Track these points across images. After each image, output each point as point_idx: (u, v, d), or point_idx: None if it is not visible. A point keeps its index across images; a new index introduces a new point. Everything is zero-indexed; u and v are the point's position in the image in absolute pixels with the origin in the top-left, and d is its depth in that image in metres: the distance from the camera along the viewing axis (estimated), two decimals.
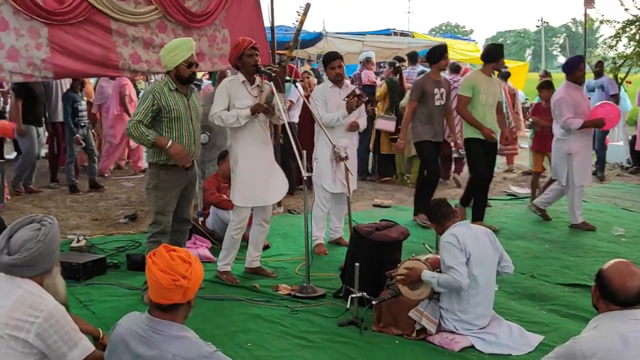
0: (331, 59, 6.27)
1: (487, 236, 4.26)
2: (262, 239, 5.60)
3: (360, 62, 10.89)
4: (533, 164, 8.73)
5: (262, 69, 5.20)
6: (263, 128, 5.32)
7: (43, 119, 9.21)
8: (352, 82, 10.09)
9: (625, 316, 2.64)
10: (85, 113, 9.15)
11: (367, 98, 6.25)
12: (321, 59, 7.76)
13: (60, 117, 9.51)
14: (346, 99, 6.00)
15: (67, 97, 9.02)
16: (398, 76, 10.08)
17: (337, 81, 6.21)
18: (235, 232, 5.36)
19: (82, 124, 9.07)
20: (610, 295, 2.66)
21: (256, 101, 5.16)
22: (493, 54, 7.04)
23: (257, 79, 5.26)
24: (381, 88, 10.09)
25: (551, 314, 4.73)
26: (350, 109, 6.00)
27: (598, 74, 11.36)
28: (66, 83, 9.52)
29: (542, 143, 8.30)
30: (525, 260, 5.94)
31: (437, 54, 7.14)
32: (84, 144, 9.11)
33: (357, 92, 6.14)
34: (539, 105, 8.78)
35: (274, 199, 5.59)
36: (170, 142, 4.66)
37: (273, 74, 5.10)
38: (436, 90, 7.03)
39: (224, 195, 6.40)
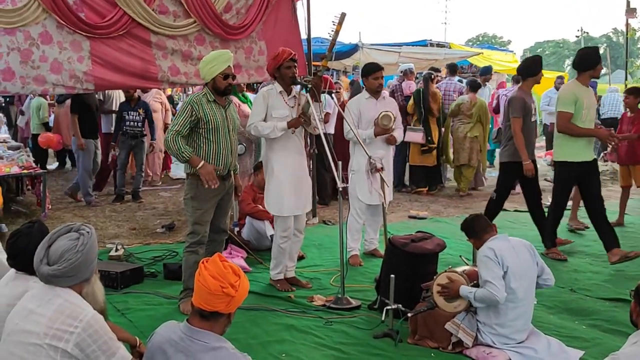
0: (374, 70, 6.26)
1: (527, 249, 4.19)
2: (296, 248, 5.61)
3: (402, 73, 10.91)
4: (620, 178, 8.10)
5: (298, 80, 5.24)
6: (298, 138, 5.34)
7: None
8: (394, 93, 10.12)
9: None
10: (135, 124, 9.21)
11: None
12: (358, 69, 7.76)
13: (103, 129, 9.75)
14: (376, 121, 6.02)
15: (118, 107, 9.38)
16: (425, 86, 10.05)
17: (377, 92, 6.23)
18: (282, 241, 5.37)
19: (132, 134, 9.21)
20: None
21: (293, 111, 5.20)
22: (588, 61, 6.25)
23: (295, 89, 5.30)
24: (410, 101, 10.11)
25: (592, 329, 4.62)
26: (380, 134, 6.05)
27: None
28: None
29: (629, 155, 7.74)
30: (565, 274, 5.82)
31: (536, 66, 6.62)
32: (115, 152, 9.35)
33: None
34: (625, 116, 8.12)
35: (307, 208, 5.60)
36: (202, 163, 4.67)
37: (309, 85, 5.13)
38: (532, 105, 6.64)
39: (260, 206, 6.45)
